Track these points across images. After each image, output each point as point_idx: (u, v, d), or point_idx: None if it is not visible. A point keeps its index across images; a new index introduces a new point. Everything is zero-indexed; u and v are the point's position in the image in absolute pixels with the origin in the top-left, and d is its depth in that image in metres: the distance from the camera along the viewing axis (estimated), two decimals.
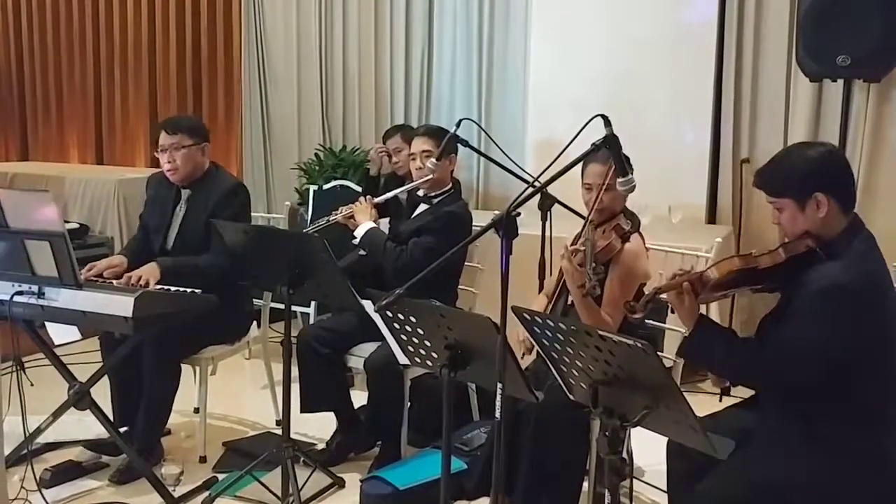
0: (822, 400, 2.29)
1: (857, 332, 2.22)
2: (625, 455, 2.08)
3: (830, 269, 2.26)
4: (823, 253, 2.32)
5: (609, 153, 2.57)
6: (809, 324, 2.24)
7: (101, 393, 3.51)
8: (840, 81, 4.63)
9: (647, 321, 3.28)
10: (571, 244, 2.90)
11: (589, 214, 2.97)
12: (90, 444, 3.65)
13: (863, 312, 2.22)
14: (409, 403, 3.58)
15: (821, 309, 2.23)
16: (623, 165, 2.54)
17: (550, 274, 3.30)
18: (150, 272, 3.41)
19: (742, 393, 2.67)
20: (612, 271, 3.00)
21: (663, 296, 2.41)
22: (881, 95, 4.77)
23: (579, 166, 2.72)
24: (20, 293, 3.09)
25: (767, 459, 2.32)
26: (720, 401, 2.89)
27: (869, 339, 2.25)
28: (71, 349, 4.12)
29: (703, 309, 2.46)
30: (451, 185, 3.80)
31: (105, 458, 3.62)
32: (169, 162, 3.62)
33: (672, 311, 2.53)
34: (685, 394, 1.94)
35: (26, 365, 3.31)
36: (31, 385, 3.33)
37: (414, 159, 3.75)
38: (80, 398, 3.23)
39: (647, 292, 2.51)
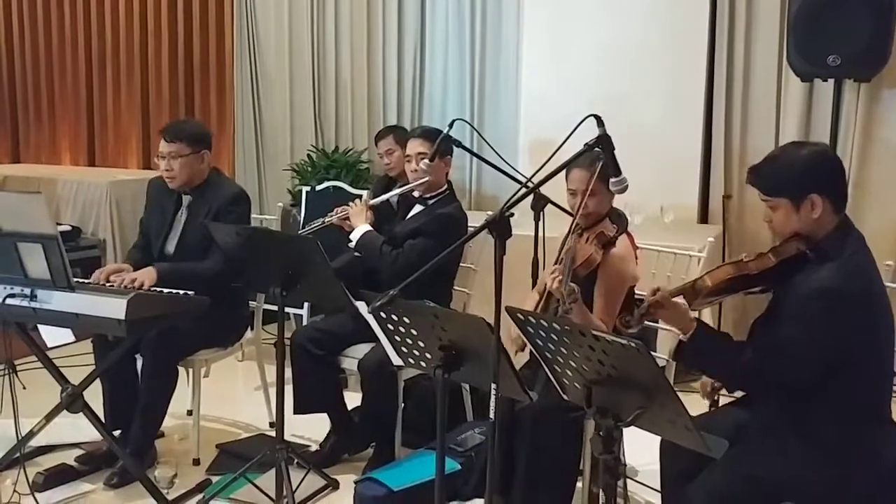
0: (815, 399, 2.31)
1: (847, 333, 2.24)
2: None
3: (819, 273, 2.28)
4: (814, 255, 2.33)
5: (593, 157, 2.58)
6: (800, 327, 2.26)
7: (94, 396, 3.50)
8: (831, 81, 4.65)
9: None
10: (559, 248, 2.91)
11: (573, 222, 2.96)
12: (83, 459, 3.63)
13: (851, 314, 2.23)
14: (402, 404, 3.58)
15: (810, 312, 2.25)
16: (616, 165, 2.54)
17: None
18: (146, 275, 3.40)
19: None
20: (599, 278, 2.99)
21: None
22: (871, 95, 4.80)
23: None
24: (12, 296, 3.07)
25: (760, 456, 2.34)
26: (710, 408, 2.91)
27: (858, 340, 2.26)
28: (64, 352, 4.11)
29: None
30: (446, 186, 3.80)
31: None
32: (167, 170, 3.61)
33: None
34: (679, 393, 1.94)
35: (19, 368, 3.30)
36: (24, 388, 3.32)
37: (409, 161, 3.74)
38: (73, 401, 3.22)
39: (636, 295, 2.52)
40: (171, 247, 3.69)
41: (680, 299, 2.46)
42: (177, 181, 3.63)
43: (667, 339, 3.66)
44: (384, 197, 3.88)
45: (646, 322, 2.49)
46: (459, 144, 3.61)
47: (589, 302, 2.95)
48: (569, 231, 2.96)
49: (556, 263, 2.93)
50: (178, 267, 3.53)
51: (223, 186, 3.72)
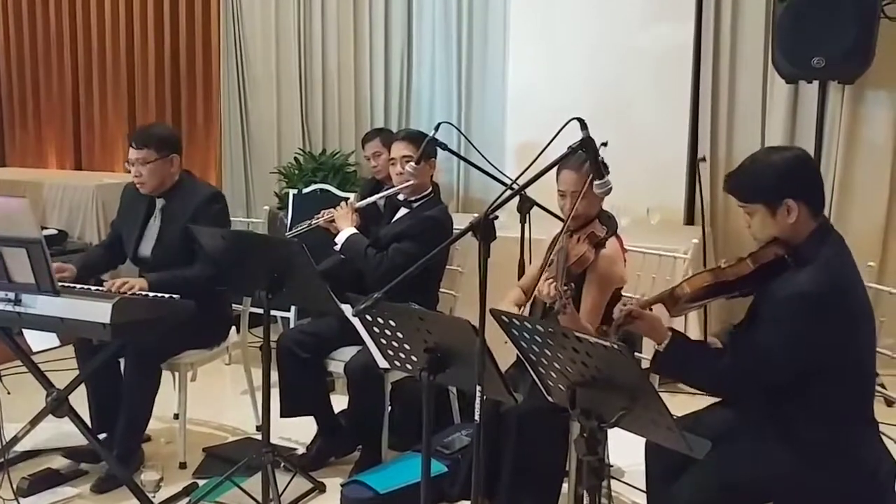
0: (797, 401, 2.32)
1: (823, 338, 2.25)
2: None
3: (797, 277, 2.28)
4: (792, 260, 2.33)
5: (584, 159, 2.59)
6: (777, 331, 2.27)
7: (79, 400, 3.48)
8: (815, 83, 4.67)
9: None
10: (547, 250, 2.91)
11: (565, 224, 2.96)
12: (68, 452, 3.62)
13: (828, 318, 2.24)
14: (389, 407, 3.58)
15: (786, 316, 2.26)
16: (599, 168, 2.55)
17: None
18: (137, 282, 3.40)
19: None
20: (588, 278, 3.00)
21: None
22: (855, 96, 4.84)
23: (555, 171, 2.73)
24: None
25: (742, 459, 2.35)
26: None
27: (837, 344, 2.27)
28: (48, 356, 4.10)
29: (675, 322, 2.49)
30: (431, 189, 3.80)
31: (84, 466, 3.59)
32: (136, 176, 3.62)
33: None
34: (664, 394, 1.96)
35: (3, 373, 3.29)
36: (8, 393, 3.31)
37: (394, 164, 3.74)
38: (58, 405, 3.20)
39: (622, 298, 2.53)
40: (145, 250, 3.67)
41: (659, 307, 2.47)
42: (147, 186, 3.63)
43: (651, 342, 3.67)
44: (370, 200, 3.88)
45: (623, 330, 2.50)
46: (445, 147, 3.61)
47: (576, 301, 2.95)
48: (559, 233, 2.97)
49: (544, 264, 2.92)
50: (168, 276, 3.50)
51: (196, 188, 3.72)
